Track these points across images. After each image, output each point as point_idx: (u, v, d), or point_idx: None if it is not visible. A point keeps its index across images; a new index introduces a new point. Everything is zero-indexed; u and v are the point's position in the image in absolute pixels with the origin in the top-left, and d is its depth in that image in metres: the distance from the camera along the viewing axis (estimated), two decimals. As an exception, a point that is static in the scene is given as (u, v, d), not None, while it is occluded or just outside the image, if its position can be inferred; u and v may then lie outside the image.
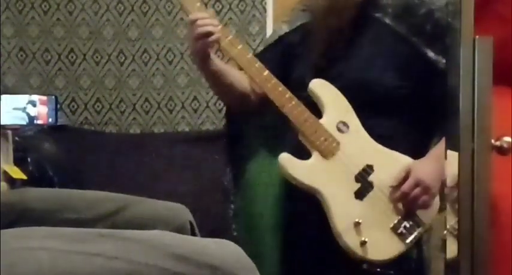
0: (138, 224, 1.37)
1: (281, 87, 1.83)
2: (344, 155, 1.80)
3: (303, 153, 1.82)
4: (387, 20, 1.87)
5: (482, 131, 1.07)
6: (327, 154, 1.80)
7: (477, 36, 1.06)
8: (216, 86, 2.01)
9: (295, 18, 2.02)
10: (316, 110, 1.85)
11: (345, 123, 1.83)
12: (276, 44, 2.02)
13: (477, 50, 1.07)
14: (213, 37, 1.81)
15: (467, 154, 1.07)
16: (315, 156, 1.81)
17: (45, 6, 3.38)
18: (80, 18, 3.38)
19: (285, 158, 1.80)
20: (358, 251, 1.75)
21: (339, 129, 1.82)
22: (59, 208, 1.41)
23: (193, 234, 1.43)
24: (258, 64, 1.85)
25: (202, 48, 1.84)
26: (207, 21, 1.82)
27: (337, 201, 1.77)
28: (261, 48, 2.18)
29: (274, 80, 1.84)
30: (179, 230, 1.36)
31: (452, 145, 1.23)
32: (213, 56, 1.87)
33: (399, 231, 1.77)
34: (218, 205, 3.11)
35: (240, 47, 1.85)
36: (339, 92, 1.83)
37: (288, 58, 1.97)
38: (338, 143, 1.81)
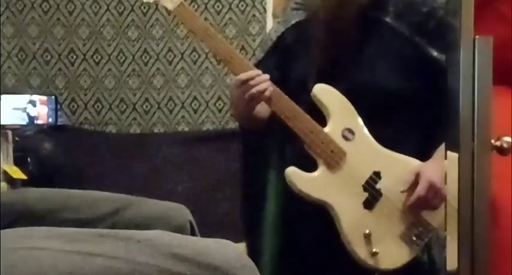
0: (138, 224, 1.37)
1: (284, 98, 1.81)
2: (351, 165, 1.79)
3: (307, 161, 1.80)
4: (389, 20, 1.85)
5: (482, 131, 1.07)
6: (333, 166, 1.79)
7: (477, 36, 1.06)
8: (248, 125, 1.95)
9: (289, 17, 1.99)
10: (318, 111, 1.83)
11: (350, 130, 1.80)
12: (275, 47, 1.99)
13: (477, 50, 1.06)
14: (267, 93, 1.76)
15: (467, 154, 1.07)
16: (322, 168, 1.79)
17: (45, 6, 3.38)
18: (80, 18, 3.38)
19: (292, 172, 1.78)
20: (369, 261, 1.74)
21: (345, 137, 1.80)
22: (59, 208, 1.40)
23: (193, 234, 1.43)
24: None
25: (252, 107, 1.79)
26: (262, 78, 1.77)
27: (346, 213, 1.76)
28: (259, 49, 2.16)
29: (278, 91, 1.81)
30: (179, 230, 1.36)
31: (452, 145, 1.23)
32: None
33: (410, 238, 1.75)
34: (218, 205, 3.12)
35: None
36: (343, 97, 1.81)
37: (287, 58, 1.95)
38: (344, 154, 1.79)
